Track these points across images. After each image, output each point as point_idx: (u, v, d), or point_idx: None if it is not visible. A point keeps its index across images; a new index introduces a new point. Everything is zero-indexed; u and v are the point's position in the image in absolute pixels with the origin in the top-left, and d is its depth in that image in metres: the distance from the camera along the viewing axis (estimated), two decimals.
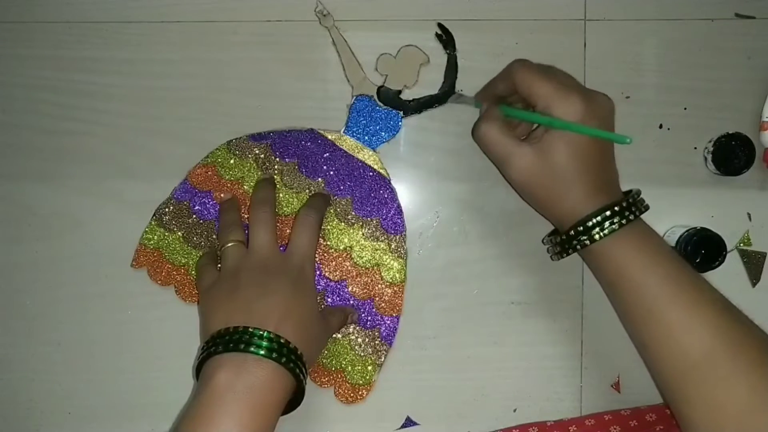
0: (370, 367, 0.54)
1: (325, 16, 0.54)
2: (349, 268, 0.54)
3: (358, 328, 0.54)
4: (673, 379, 0.46)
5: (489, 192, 0.53)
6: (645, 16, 0.54)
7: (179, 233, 0.54)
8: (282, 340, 0.45)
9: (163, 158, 0.54)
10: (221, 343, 0.45)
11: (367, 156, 0.54)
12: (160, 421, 0.54)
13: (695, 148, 0.55)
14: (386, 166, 0.54)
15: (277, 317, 0.46)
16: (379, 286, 0.54)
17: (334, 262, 0.54)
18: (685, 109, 0.55)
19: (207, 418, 0.43)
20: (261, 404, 0.44)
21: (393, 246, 0.54)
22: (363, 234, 0.54)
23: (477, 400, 0.55)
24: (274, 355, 0.44)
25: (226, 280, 0.49)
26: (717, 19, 0.55)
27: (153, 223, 0.54)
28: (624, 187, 0.49)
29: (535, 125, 0.50)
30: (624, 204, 0.46)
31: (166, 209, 0.54)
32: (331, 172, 0.54)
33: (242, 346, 0.44)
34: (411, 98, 0.54)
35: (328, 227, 0.54)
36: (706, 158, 0.54)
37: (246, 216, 0.53)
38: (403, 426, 0.55)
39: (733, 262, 0.55)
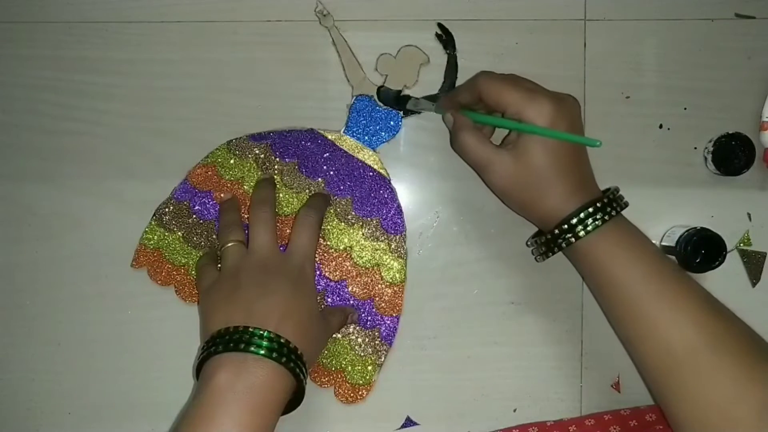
0: (370, 367, 0.54)
1: (325, 16, 0.54)
2: (349, 268, 0.54)
3: (358, 328, 0.54)
4: (658, 374, 0.47)
5: (489, 192, 0.53)
6: (645, 16, 0.54)
7: (179, 233, 0.54)
8: (282, 340, 0.45)
9: (163, 158, 0.54)
10: (221, 342, 0.45)
11: (367, 156, 0.54)
12: (160, 421, 0.54)
13: (695, 148, 0.55)
14: (386, 166, 0.54)
15: (278, 317, 0.46)
16: (379, 286, 0.54)
17: (334, 262, 0.54)
18: (685, 109, 0.55)
19: (207, 418, 0.43)
20: (261, 404, 0.44)
21: (393, 246, 0.54)
22: (363, 234, 0.54)
23: (477, 400, 0.55)
24: (275, 355, 0.44)
25: (226, 280, 0.49)
26: (717, 19, 0.55)
27: (153, 223, 0.54)
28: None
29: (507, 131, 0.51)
30: (605, 200, 0.47)
31: (166, 209, 0.54)
32: (331, 172, 0.54)
33: (242, 345, 0.44)
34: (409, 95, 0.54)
35: (328, 227, 0.54)
36: (706, 158, 0.54)
37: (246, 216, 0.53)
38: (403, 426, 0.55)
39: (733, 262, 0.55)
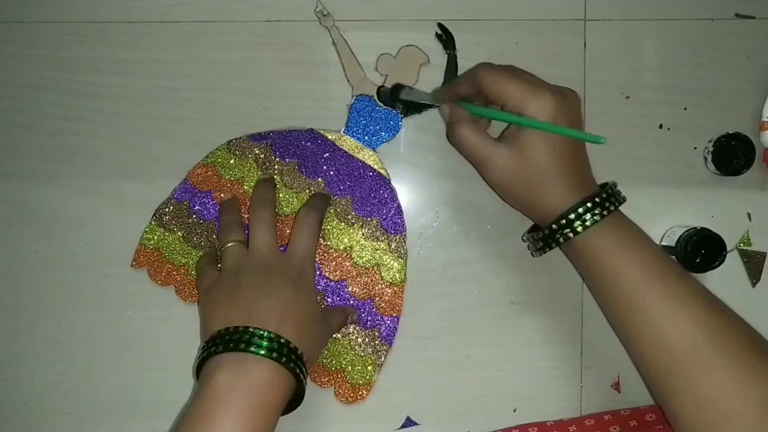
0: (370, 367, 0.54)
1: (325, 16, 0.54)
2: (349, 268, 0.54)
3: (358, 328, 0.54)
4: (657, 371, 0.47)
5: (489, 192, 0.53)
6: (645, 16, 0.54)
7: (179, 233, 0.54)
8: (282, 340, 0.45)
9: (163, 158, 0.54)
10: (221, 343, 0.45)
11: (367, 156, 0.54)
12: (160, 421, 0.54)
13: (695, 148, 0.55)
14: (386, 166, 0.54)
15: (278, 317, 0.46)
16: (379, 286, 0.54)
17: (334, 262, 0.54)
18: (685, 109, 0.55)
19: (207, 418, 0.43)
20: (261, 404, 0.44)
21: (393, 246, 0.54)
22: (363, 234, 0.54)
23: (477, 400, 0.55)
24: (275, 355, 0.44)
25: (227, 280, 0.49)
26: (717, 19, 0.55)
27: (153, 223, 0.54)
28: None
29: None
30: (603, 196, 0.47)
31: (166, 209, 0.54)
32: (331, 172, 0.54)
33: (242, 345, 0.44)
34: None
35: (328, 227, 0.54)
36: (706, 158, 0.54)
37: (246, 216, 0.53)
38: (403, 426, 0.55)
39: (733, 262, 0.55)
